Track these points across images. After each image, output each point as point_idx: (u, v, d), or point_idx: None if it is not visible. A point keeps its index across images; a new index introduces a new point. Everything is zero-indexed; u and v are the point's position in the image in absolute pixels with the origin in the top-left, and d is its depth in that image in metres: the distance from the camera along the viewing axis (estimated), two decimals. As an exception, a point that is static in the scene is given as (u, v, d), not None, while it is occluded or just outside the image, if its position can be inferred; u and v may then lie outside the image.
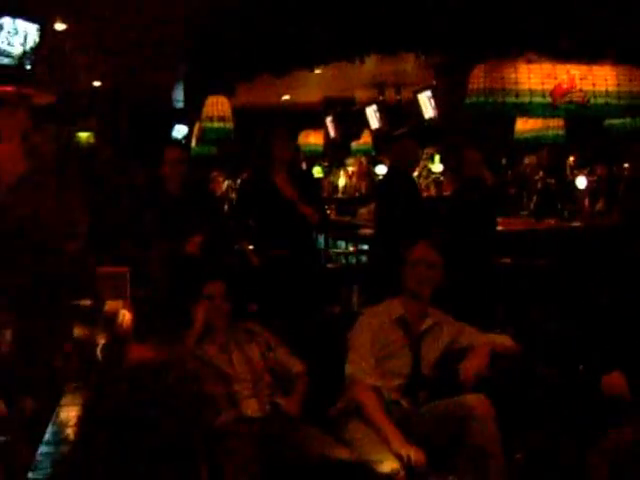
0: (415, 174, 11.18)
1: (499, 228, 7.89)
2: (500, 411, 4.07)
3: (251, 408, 4.50)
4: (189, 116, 13.86)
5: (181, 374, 3.88)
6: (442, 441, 4.15)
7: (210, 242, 6.04)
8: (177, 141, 12.46)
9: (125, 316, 3.49)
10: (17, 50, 7.13)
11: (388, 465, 3.90)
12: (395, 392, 4.46)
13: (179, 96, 14.48)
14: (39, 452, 1.99)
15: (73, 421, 2.16)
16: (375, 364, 4.45)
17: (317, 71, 10.82)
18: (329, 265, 9.49)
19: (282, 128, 6.22)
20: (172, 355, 4.00)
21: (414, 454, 3.92)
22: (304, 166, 15.43)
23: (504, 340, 4.61)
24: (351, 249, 11.01)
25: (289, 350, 4.88)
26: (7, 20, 6.92)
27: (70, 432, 2.09)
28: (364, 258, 10.17)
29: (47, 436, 2.08)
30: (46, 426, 2.13)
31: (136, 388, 2.93)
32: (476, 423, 3.99)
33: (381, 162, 14.87)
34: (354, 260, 10.72)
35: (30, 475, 1.85)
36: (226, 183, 14.70)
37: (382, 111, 13.80)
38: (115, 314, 3.54)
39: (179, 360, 4.13)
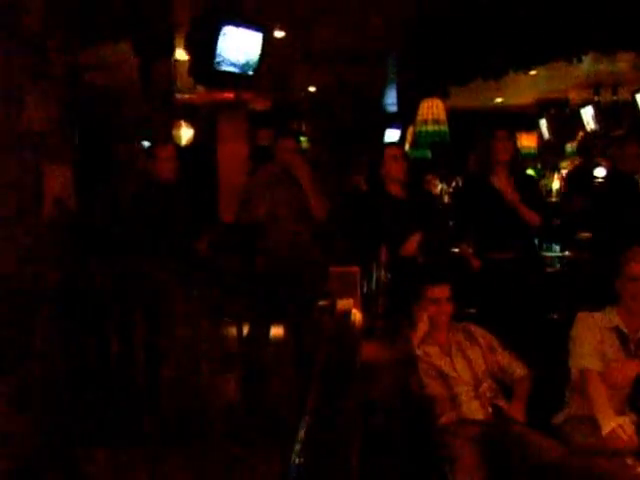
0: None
1: None
2: None
3: (473, 410, 4.50)
4: (402, 120, 13.93)
5: (408, 374, 3.93)
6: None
7: (431, 243, 6.07)
8: (394, 142, 12.53)
9: (356, 315, 3.57)
10: (241, 58, 7.39)
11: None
12: (620, 404, 4.36)
13: (391, 100, 14.58)
14: (295, 449, 2.06)
15: (326, 411, 2.23)
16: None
17: (531, 72, 10.67)
18: (547, 269, 9.29)
19: (502, 129, 6.17)
20: (399, 355, 4.05)
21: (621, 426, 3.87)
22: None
23: None
24: (567, 253, 10.76)
25: (512, 353, 4.85)
26: (232, 29, 7.18)
27: (325, 421, 2.15)
28: (581, 263, 9.92)
29: (298, 434, 2.16)
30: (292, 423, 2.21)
31: (369, 385, 2.99)
32: None
33: (599, 164, 14.46)
34: (571, 264, 10.47)
35: (295, 460, 1.93)
36: (440, 186, 14.68)
37: (598, 112, 13.43)
38: (347, 313, 3.62)
39: (405, 360, 4.18)
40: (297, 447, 2.01)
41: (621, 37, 8.02)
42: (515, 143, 6.58)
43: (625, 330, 4.48)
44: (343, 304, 3.75)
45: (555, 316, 7.59)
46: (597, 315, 4.58)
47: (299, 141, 8.15)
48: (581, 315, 4.62)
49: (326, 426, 2.20)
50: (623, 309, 4.52)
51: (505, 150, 6.12)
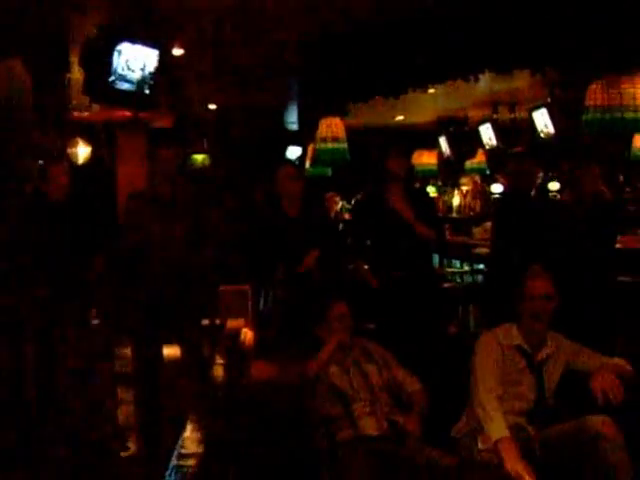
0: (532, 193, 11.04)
1: (618, 246, 7.68)
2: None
3: (369, 426, 4.50)
4: (302, 138, 13.97)
5: (302, 392, 3.91)
6: (568, 463, 4.08)
7: (328, 260, 6.06)
8: (290, 160, 12.56)
9: (247, 334, 3.53)
10: (136, 75, 7.31)
11: None
12: (520, 417, 4.40)
13: (292, 118, 14.61)
14: (170, 465, 2.03)
15: (200, 436, 2.20)
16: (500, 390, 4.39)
17: (431, 91, 10.79)
18: (445, 285, 9.40)
19: (397, 146, 6.20)
20: (294, 373, 4.04)
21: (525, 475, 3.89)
22: (418, 186, 15.42)
23: (622, 363, 4.48)
24: (466, 268, 10.90)
25: (407, 369, 4.87)
26: (127, 46, 7.10)
27: (198, 446, 2.12)
28: (480, 277, 10.05)
29: (176, 450, 2.12)
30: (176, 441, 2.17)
31: (259, 404, 2.96)
32: (606, 444, 3.92)
33: (497, 181, 14.73)
34: (470, 279, 10.62)
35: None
36: (340, 204, 14.76)
37: (496, 130, 13.65)
38: (237, 332, 3.58)
39: (300, 378, 4.17)
40: (168, 473, 1.98)
41: (516, 56, 8.15)
42: (410, 160, 6.62)
43: (527, 348, 4.51)
44: (233, 323, 3.71)
45: (453, 329, 7.71)
46: (499, 333, 4.59)
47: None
48: (483, 337, 4.59)
49: (202, 447, 2.17)
50: (523, 327, 4.54)
51: (399, 167, 6.15)
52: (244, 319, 3.74)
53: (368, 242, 6.38)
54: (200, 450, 2.09)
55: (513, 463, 3.95)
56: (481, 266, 9.93)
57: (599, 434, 3.96)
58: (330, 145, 10.27)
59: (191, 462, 2.02)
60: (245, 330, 3.52)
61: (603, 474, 3.93)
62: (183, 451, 2.09)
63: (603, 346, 4.84)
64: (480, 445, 4.20)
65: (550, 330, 4.58)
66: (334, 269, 6.17)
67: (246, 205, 11.15)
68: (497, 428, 4.11)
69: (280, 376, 3.43)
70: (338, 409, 4.58)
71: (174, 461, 2.01)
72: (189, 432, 2.23)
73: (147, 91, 7.53)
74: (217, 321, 3.91)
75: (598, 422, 4.03)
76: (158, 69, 7.49)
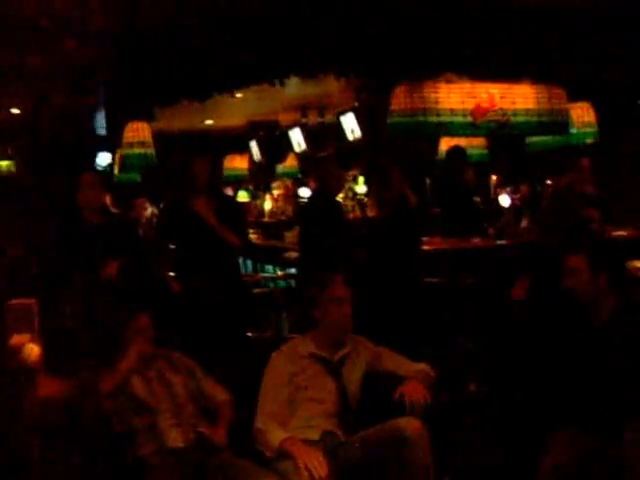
0: (341, 196, 11.19)
1: (424, 248, 7.83)
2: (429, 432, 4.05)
3: (174, 438, 4.41)
4: (111, 143, 13.67)
5: (96, 406, 3.76)
6: (377, 466, 4.10)
7: (130, 269, 5.92)
8: (92, 168, 12.29)
9: (33, 349, 3.36)
10: None
11: None
12: (329, 420, 4.40)
13: (101, 123, 14.27)
14: None
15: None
16: (291, 403, 4.41)
17: (238, 95, 10.75)
18: (257, 290, 9.38)
19: (200, 154, 6.13)
20: (87, 387, 3.89)
21: (317, 465, 3.88)
22: (230, 191, 15.39)
23: (426, 369, 4.56)
24: (279, 273, 10.91)
25: (213, 378, 4.79)
26: None
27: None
28: (293, 282, 10.07)
29: None
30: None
31: (43, 422, 2.82)
32: (409, 445, 3.97)
33: (305, 185, 14.85)
34: (282, 284, 10.63)
35: None
36: (150, 210, 14.50)
37: (306, 134, 13.75)
38: (21, 347, 3.40)
39: (94, 392, 4.02)
40: None
41: (322, 61, 8.22)
42: (213, 166, 6.53)
43: (321, 354, 4.53)
44: (17, 339, 3.53)
45: (266, 336, 7.69)
46: (287, 349, 4.61)
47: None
48: (270, 360, 4.58)
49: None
50: (320, 333, 4.58)
51: (202, 173, 6.08)
52: (29, 334, 3.56)
53: (172, 248, 6.29)
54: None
55: (303, 453, 3.95)
56: (293, 270, 9.94)
57: (401, 436, 4.00)
58: (137, 150, 10.13)
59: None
60: (31, 346, 3.35)
61: (406, 474, 3.98)
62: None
63: (408, 346, 4.92)
64: (268, 454, 4.17)
65: (349, 333, 4.63)
66: (137, 279, 6.04)
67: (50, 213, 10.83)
68: (276, 435, 4.16)
69: (71, 392, 3.28)
70: (141, 421, 4.46)
71: None
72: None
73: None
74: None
75: (404, 423, 4.08)
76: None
